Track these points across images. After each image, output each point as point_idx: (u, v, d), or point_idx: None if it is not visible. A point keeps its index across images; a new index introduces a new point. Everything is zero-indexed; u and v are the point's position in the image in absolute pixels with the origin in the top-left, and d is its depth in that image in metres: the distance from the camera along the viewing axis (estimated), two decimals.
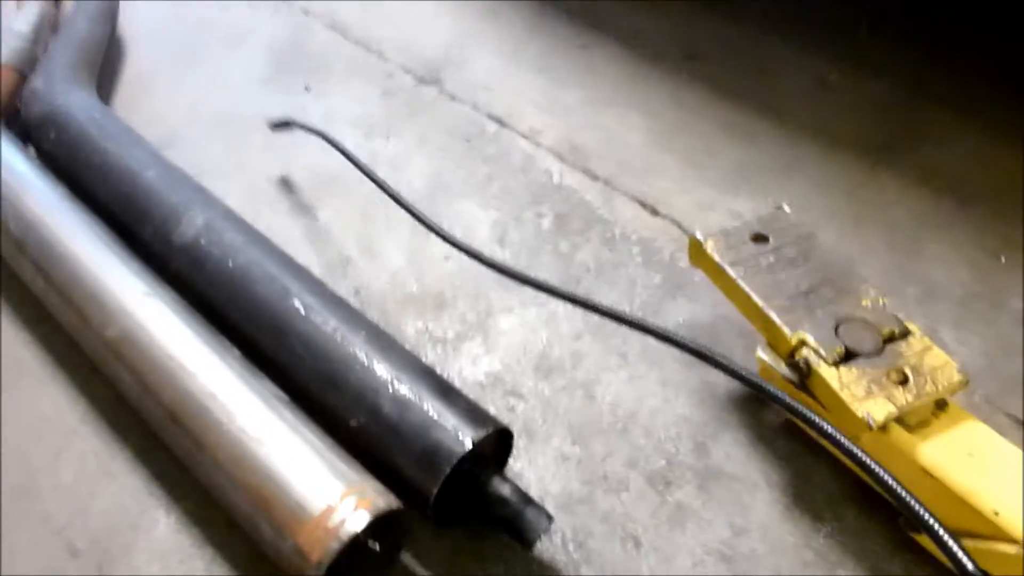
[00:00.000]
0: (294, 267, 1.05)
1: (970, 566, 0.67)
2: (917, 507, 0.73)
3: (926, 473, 0.85)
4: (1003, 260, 1.28)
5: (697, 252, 1.01)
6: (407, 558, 0.90)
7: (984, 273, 1.27)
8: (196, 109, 1.55)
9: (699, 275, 1.11)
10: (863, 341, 0.90)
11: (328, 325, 0.95)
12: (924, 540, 0.89)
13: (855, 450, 0.77)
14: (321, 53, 1.69)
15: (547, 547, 0.91)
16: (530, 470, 0.98)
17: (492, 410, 0.93)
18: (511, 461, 0.97)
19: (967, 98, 1.56)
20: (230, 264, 1.04)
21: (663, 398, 1.06)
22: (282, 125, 1.39)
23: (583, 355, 1.10)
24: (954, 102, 1.55)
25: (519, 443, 1.00)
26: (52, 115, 1.30)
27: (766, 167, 1.42)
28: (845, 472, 0.97)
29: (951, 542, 0.70)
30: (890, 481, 0.75)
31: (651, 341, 1.12)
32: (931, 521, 0.72)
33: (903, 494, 0.74)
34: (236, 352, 0.97)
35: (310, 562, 0.78)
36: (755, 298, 0.93)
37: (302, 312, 0.97)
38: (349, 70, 1.64)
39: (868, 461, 0.76)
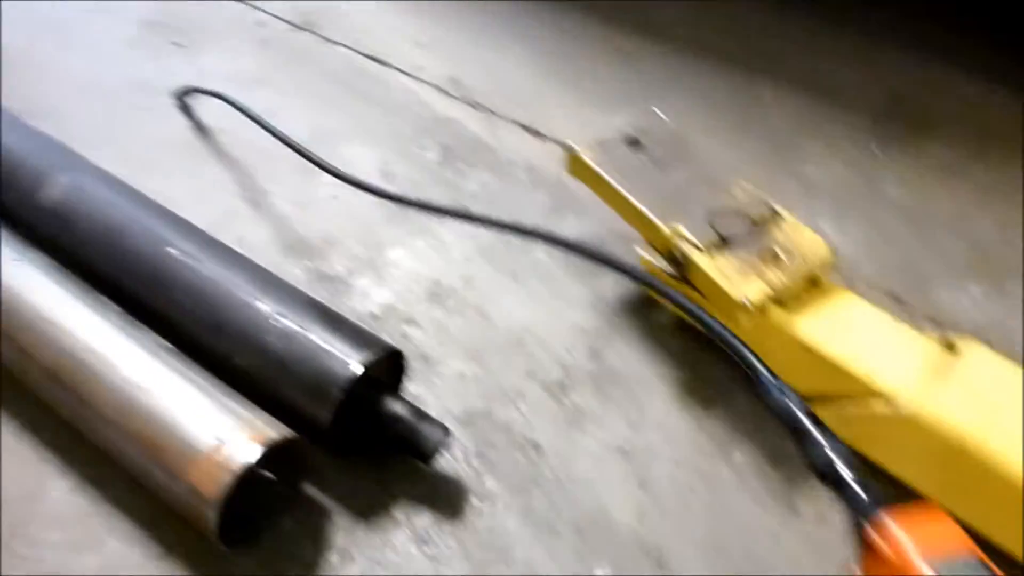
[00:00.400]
0: (168, 216, 1.02)
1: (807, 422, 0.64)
2: (747, 354, 0.73)
3: (802, 347, 0.88)
4: (876, 152, 1.33)
5: (574, 163, 1.02)
6: (309, 491, 0.89)
7: (859, 167, 1.32)
8: (65, 79, 1.48)
9: (585, 191, 1.12)
10: (735, 228, 0.92)
11: (206, 268, 0.93)
12: None
13: (702, 314, 0.77)
14: (191, 10, 1.64)
15: (449, 462, 0.92)
16: (428, 393, 0.98)
17: (387, 339, 0.93)
18: (409, 386, 0.97)
19: (839, 7, 1.60)
20: (100, 220, 1.00)
21: (556, 311, 1.07)
22: (186, 94, 1.36)
23: (474, 278, 1.11)
24: (826, 11, 1.59)
25: (416, 367, 1.00)
26: None
27: (647, 85, 1.44)
28: (735, 362, 0.99)
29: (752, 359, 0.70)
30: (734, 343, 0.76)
31: (541, 257, 1.14)
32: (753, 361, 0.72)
33: (742, 350, 0.75)
34: (115, 307, 0.94)
35: (205, 499, 0.77)
36: (630, 198, 0.95)
37: (179, 258, 0.95)
38: (221, 25, 1.59)
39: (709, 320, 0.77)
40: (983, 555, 0.45)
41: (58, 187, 1.04)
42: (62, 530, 0.86)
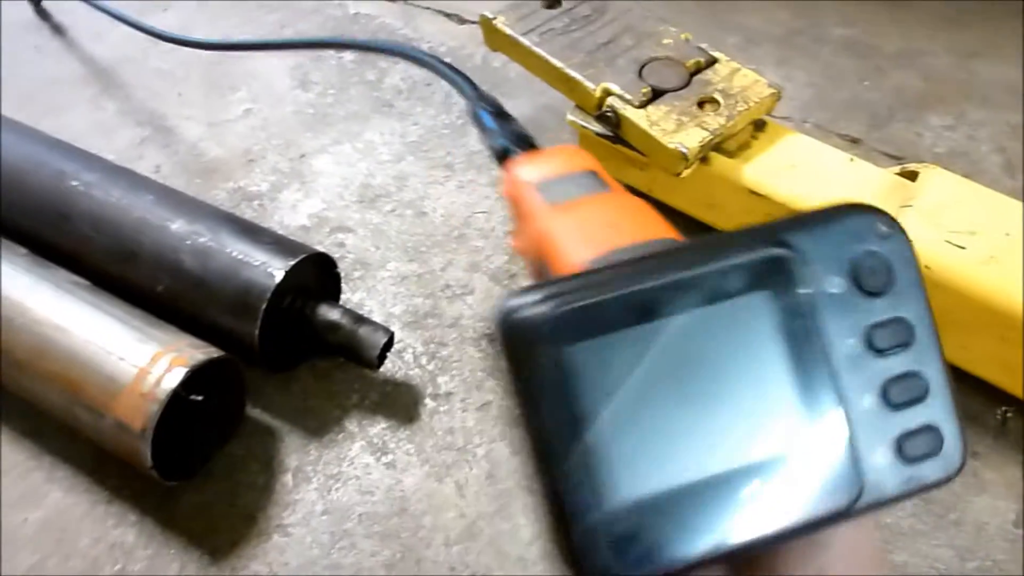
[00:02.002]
0: (68, 150, 0.95)
1: None
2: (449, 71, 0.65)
3: (752, 193, 0.83)
4: None
5: (491, 32, 0.95)
6: (254, 413, 0.85)
7: (801, 9, 1.25)
8: None
9: (514, 71, 1.05)
10: (669, 78, 0.86)
11: (112, 197, 0.87)
12: None
13: None
14: None
15: (399, 365, 0.87)
16: (370, 298, 0.93)
17: (320, 249, 0.88)
18: (349, 294, 0.92)
19: None
20: None
21: (495, 199, 1.01)
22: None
23: (407, 175, 1.04)
24: None
25: (354, 275, 0.94)
26: None
27: None
28: (684, 223, 0.94)
29: None
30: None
31: (475, 147, 1.07)
32: None
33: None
34: (21, 249, 0.88)
35: (134, 432, 0.72)
36: (553, 61, 0.88)
37: (82, 190, 0.88)
38: None
39: None
40: (598, 168, 0.40)
41: None
42: (3, 486, 0.82)
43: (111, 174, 0.91)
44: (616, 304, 0.25)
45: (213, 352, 0.76)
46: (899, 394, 0.26)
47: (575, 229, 0.34)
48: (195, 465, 0.80)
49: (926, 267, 0.75)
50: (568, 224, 0.35)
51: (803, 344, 0.25)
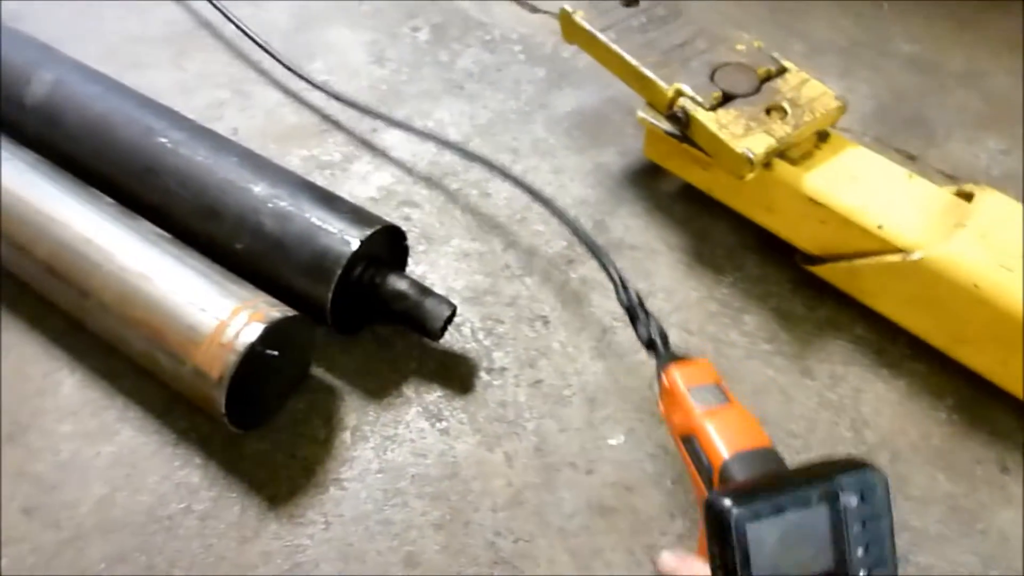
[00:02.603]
0: (157, 107, 0.99)
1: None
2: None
3: (812, 201, 0.86)
4: (885, 7, 1.27)
5: (569, 25, 0.98)
6: (319, 372, 0.89)
7: (868, 21, 1.26)
8: None
9: (583, 62, 1.08)
10: (739, 83, 0.89)
11: (198, 155, 0.91)
12: (821, 270, 0.91)
13: None
14: None
15: (456, 339, 0.91)
16: (432, 272, 0.97)
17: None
18: (413, 266, 0.96)
19: None
20: (88, 115, 0.98)
21: (558, 185, 1.05)
22: None
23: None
24: None
25: (419, 248, 0.98)
26: None
27: None
28: (742, 225, 0.97)
29: None
30: None
31: (540, 132, 1.10)
32: None
33: None
34: (109, 200, 0.92)
35: (211, 380, 0.76)
36: (629, 58, 0.91)
37: (170, 147, 0.92)
38: None
39: None
40: (720, 380, 0.68)
41: (43, 85, 1.01)
42: (76, 422, 0.87)
43: (197, 134, 0.95)
44: (772, 506, 0.52)
45: (288, 311, 0.80)
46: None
47: (718, 431, 0.63)
48: (262, 415, 0.84)
49: (975, 285, 0.78)
50: (713, 426, 0.63)
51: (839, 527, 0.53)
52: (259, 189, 0.87)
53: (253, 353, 0.77)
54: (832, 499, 0.53)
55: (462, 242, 0.99)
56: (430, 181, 1.06)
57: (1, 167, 0.93)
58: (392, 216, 1.02)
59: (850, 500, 0.53)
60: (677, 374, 0.68)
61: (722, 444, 0.62)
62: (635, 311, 0.79)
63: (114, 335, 0.85)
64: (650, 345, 0.76)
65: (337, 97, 1.09)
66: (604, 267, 0.84)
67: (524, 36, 1.22)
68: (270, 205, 0.86)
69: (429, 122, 1.12)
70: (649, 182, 1.04)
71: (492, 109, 1.14)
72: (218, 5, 1.17)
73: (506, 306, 0.94)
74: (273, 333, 0.78)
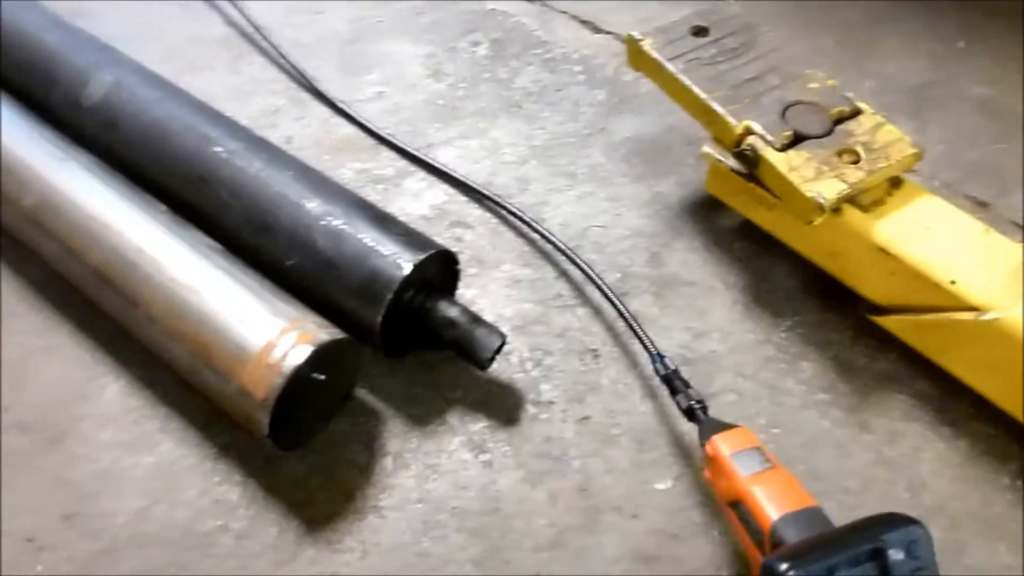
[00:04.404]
0: (213, 115, 0.99)
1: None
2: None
3: (882, 251, 0.83)
4: (961, 45, 1.24)
5: (636, 53, 0.95)
6: (362, 394, 0.88)
7: (941, 61, 1.23)
8: None
9: (644, 87, 1.06)
10: (811, 123, 0.86)
11: (253, 167, 0.90)
12: (885, 322, 0.87)
13: None
14: None
15: (504, 368, 0.89)
16: (482, 297, 0.95)
17: (439, 241, 0.90)
18: (462, 289, 0.94)
19: None
20: (144, 120, 0.97)
21: (613, 214, 1.02)
22: None
23: (529, 180, 1.06)
24: None
25: (469, 272, 0.97)
26: None
27: None
28: (804, 268, 0.94)
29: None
30: None
31: (598, 159, 1.08)
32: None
33: None
34: (162, 207, 0.92)
35: (255, 400, 0.75)
36: (697, 91, 0.89)
37: (224, 157, 0.92)
38: None
39: None
40: (761, 444, 0.72)
41: (101, 86, 1.01)
42: (117, 430, 0.86)
43: (253, 145, 0.94)
44: (825, 568, 0.57)
45: (337, 333, 0.79)
46: None
47: (765, 494, 0.67)
48: (304, 436, 0.83)
49: None
50: (760, 489, 0.68)
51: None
52: (313, 205, 0.86)
53: (300, 376, 0.75)
54: (880, 556, 0.58)
55: (514, 267, 0.98)
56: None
57: (55, 169, 0.93)
58: (443, 237, 1.00)
59: (897, 555, 0.58)
60: (720, 442, 0.72)
61: (770, 507, 0.66)
62: (673, 382, 0.81)
63: (160, 347, 0.85)
64: (690, 414, 0.78)
65: (375, 134, 1.11)
66: (640, 339, 0.86)
67: (585, 57, 1.20)
68: (323, 223, 0.85)
69: (485, 140, 1.11)
70: (708, 216, 1.01)
71: (549, 131, 1.12)
72: (270, 40, 1.16)
73: (556, 337, 0.92)
74: (321, 356, 0.76)
